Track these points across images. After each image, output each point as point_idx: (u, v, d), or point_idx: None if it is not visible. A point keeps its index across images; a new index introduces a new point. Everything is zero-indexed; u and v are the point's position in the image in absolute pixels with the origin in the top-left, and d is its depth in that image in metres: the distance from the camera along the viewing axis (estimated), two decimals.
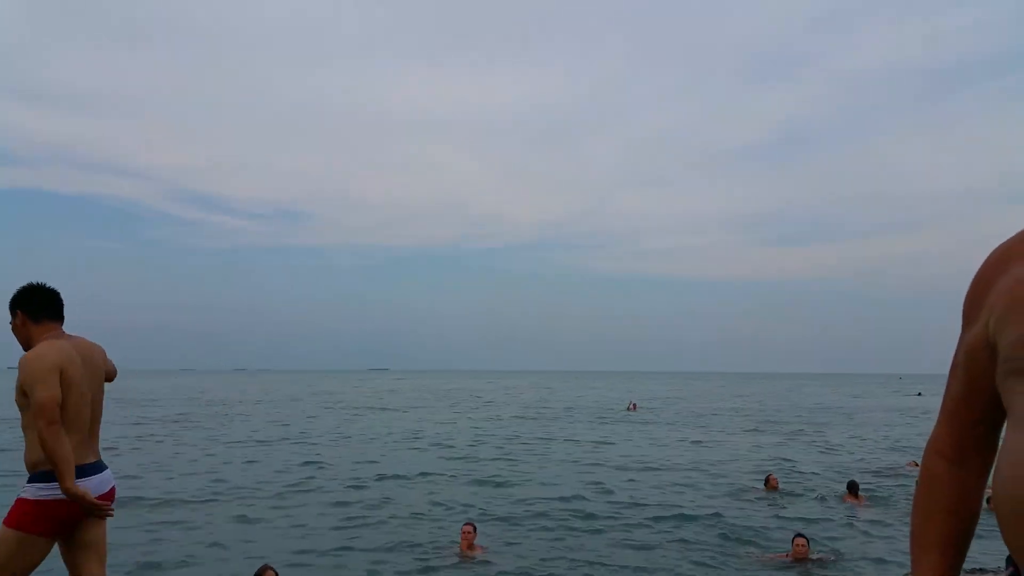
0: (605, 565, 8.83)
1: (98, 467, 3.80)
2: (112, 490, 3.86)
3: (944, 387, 1.41)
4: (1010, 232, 1.30)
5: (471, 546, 9.16)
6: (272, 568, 6.96)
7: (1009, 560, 1.28)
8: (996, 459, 1.24)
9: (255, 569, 7.02)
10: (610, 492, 13.74)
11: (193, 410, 38.60)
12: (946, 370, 1.39)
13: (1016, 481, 1.15)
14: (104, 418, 4.01)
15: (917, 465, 14.42)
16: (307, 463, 17.33)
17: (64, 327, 3.88)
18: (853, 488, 13.21)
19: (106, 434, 7.84)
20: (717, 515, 11.62)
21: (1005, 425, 1.29)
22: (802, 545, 8.98)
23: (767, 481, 14.13)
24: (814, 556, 9.06)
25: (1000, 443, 1.31)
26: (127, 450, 19.62)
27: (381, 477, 15.35)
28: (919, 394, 68.29)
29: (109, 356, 4.06)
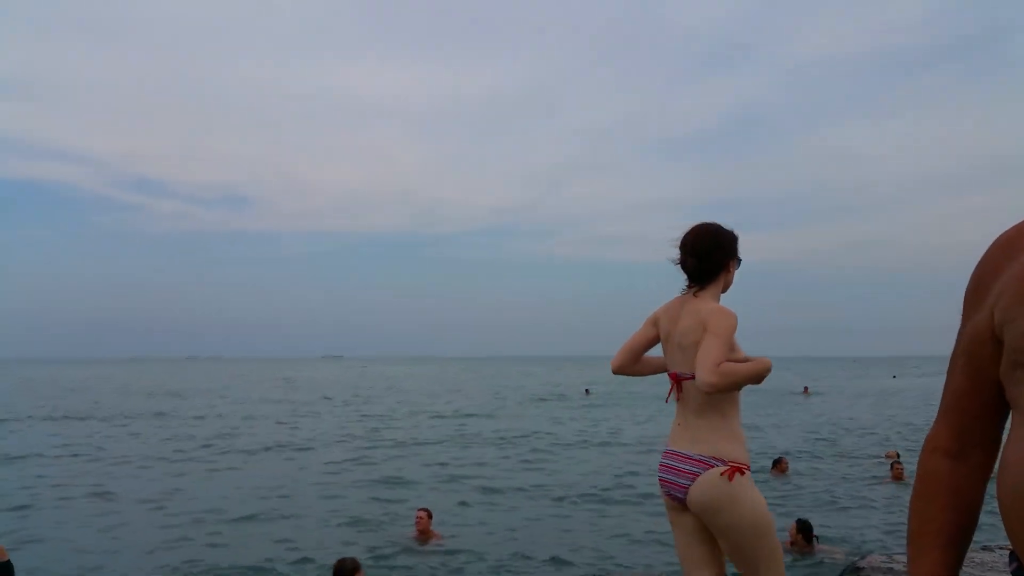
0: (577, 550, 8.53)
1: None
2: None
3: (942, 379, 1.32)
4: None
5: (425, 531, 8.94)
6: None
7: (1012, 556, 1.23)
8: (1001, 452, 1.20)
9: None
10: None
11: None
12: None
13: (1022, 474, 1.10)
14: None
15: (899, 457, 13.67)
16: None
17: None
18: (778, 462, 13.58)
19: None
20: None
21: (1010, 418, 1.23)
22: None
23: (777, 464, 13.65)
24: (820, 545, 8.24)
25: (1005, 436, 1.26)
26: None
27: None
28: (894, 377, 65.22)
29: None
